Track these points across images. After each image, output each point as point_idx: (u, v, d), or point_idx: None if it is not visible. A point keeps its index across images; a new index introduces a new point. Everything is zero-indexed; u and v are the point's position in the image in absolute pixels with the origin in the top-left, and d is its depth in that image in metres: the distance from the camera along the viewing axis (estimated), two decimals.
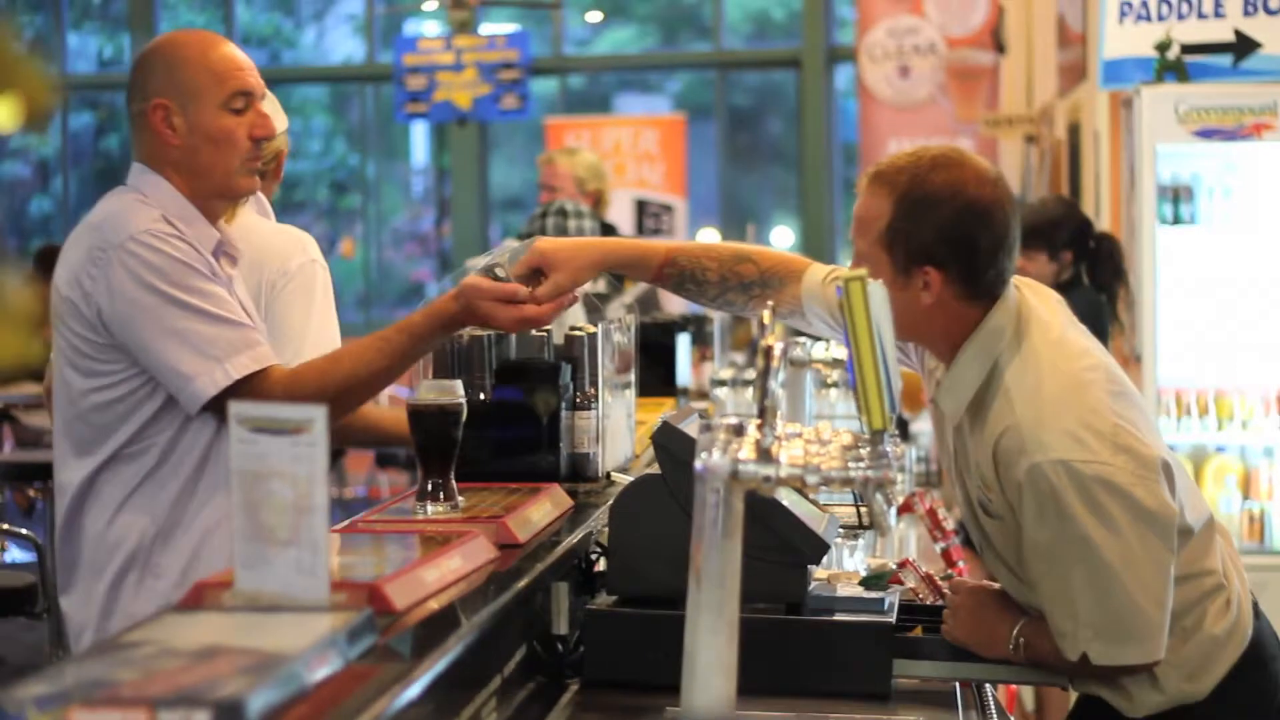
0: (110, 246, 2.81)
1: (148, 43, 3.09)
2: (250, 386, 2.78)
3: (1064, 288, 5.23)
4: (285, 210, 14.27)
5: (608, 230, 6.40)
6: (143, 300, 2.78)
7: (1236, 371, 5.84)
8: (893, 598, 2.78)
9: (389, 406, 3.44)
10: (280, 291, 3.20)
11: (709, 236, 13.36)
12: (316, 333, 3.18)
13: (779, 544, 2.64)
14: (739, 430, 1.91)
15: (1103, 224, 6.98)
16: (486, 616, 2.17)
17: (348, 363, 2.85)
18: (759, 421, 1.89)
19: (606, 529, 2.76)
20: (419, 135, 15.22)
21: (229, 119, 2.92)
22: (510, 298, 2.76)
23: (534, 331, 3.12)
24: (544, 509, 2.77)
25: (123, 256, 2.79)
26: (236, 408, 1.93)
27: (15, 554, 8.24)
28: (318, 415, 1.87)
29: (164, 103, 2.91)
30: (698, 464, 1.85)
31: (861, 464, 1.89)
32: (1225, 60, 5.76)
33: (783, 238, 14.02)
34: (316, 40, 15.61)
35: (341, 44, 15.28)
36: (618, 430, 3.40)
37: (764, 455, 1.86)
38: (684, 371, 5.23)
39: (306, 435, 1.88)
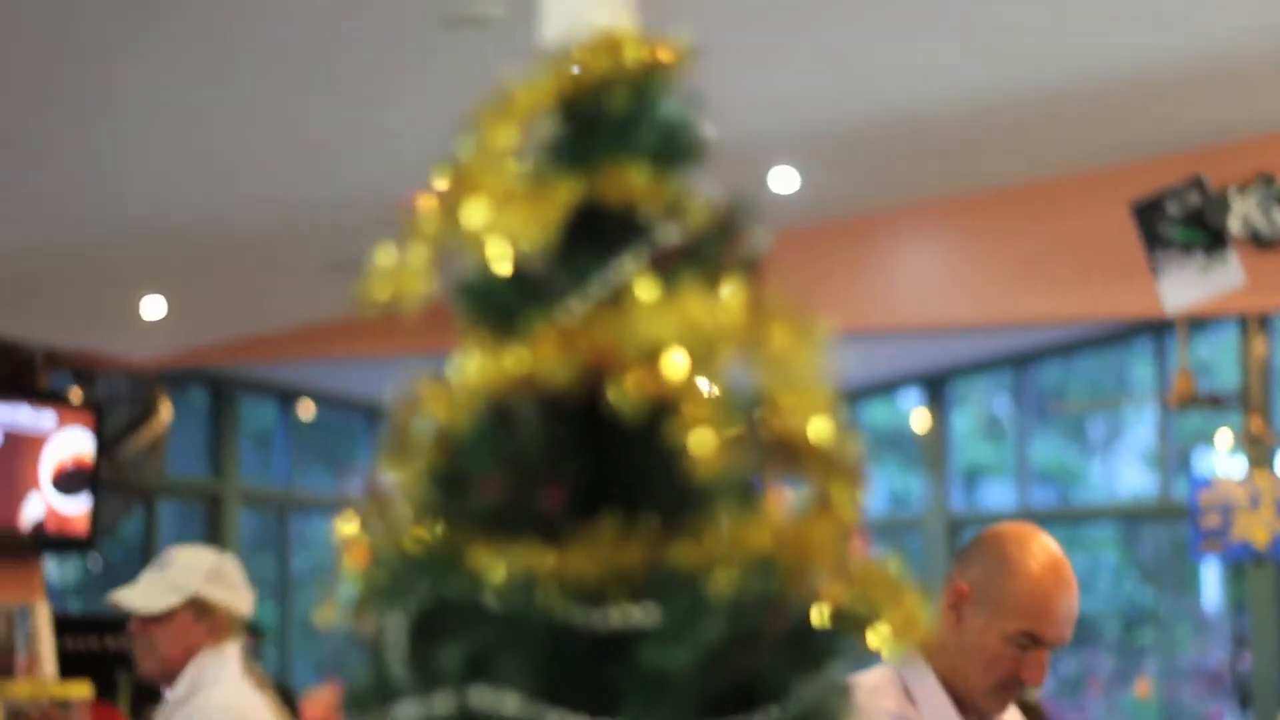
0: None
1: (987, 530, 3.05)
2: None
3: None
4: (1078, 647, 14.11)
5: None
6: None
7: None
8: None
9: None
10: None
11: None
12: None
13: None
14: None
15: None
16: None
17: None
18: None
19: None
20: (1210, 570, 14.82)
21: (1010, 650, 2.84)
22: None
23: None
24: None
25: None
26: None
27: None
28: None
29: (966, 590, 2.87)
30: None
31: None
32: None
33: None
34: (1104, 474, 15.60)
35: (1130, 476, 15.20)
36: None
37: None
38: None
39: None
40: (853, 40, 6.22)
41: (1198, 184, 7.60)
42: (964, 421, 14.99)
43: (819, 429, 1.47)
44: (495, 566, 1.40)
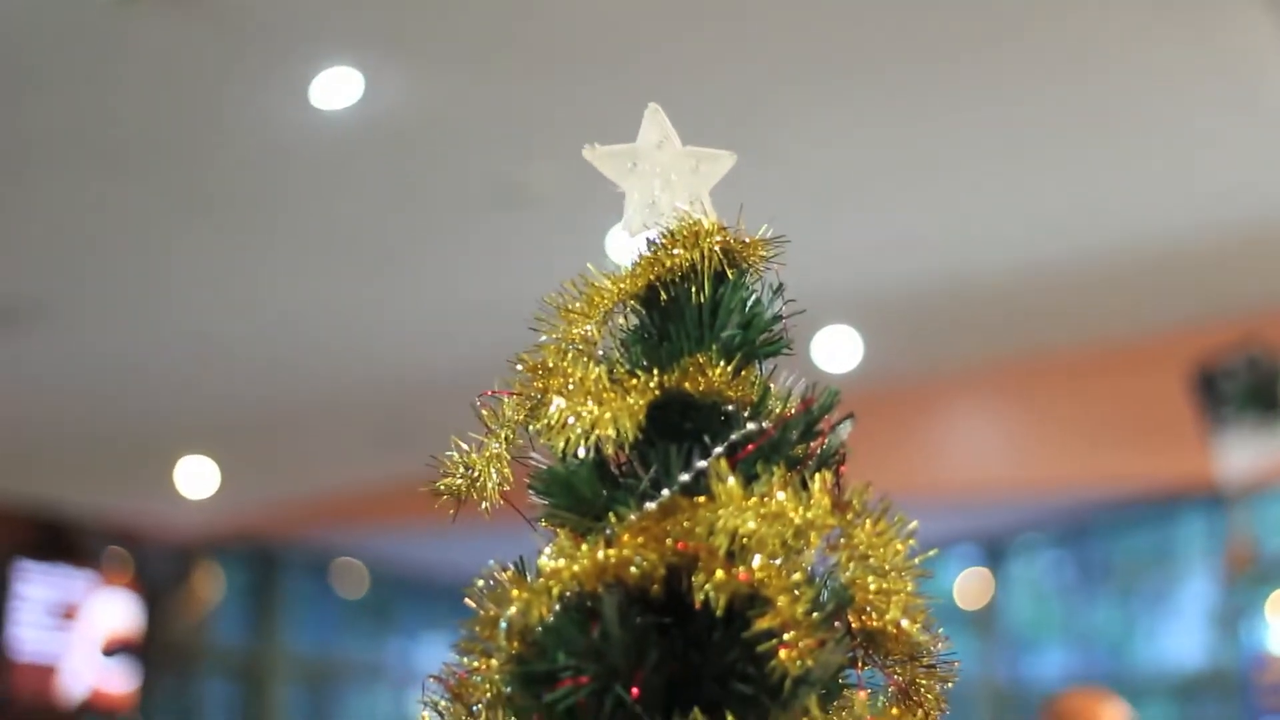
0: None
1: None
2: None
3: None
4: None
5: None
6: None
7: None
8: None
9: None
10: None
11: None
12: None
13: None
14: None
15: None
16: None
17: None
18: None
19: None
20: None
21: None
22: None
23: None
24: None
25: None
26: None
27: None
28: None
29: None
30: None
31: None
32: None
33: None
34: (1159, 637, 15.37)
35: (1186, 639, 14.97)
36: None
37: None
38: None
39: None
40: (908, 210, 6.26)
41: (1250, 355, 7.58)
42: (1016, 587, 14.85)
43: (904, 621, 1.45)
44: None
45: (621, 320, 1.51)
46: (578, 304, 1.49)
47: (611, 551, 1.39)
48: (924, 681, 1.49)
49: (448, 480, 1.51)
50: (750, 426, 1.44)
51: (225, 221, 5.96)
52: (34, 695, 8.53)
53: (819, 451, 1.49)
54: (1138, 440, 8.88)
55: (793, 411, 1.47)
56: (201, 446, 8.34)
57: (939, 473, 9.46)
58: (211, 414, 7.97)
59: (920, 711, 1.48)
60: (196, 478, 8.42)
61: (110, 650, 8.88)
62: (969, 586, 14.27)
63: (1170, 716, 14.86)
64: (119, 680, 8.91)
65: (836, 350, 7.45)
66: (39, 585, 8.62)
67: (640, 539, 1.39)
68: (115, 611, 8.91)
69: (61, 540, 8.85)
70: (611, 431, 1.41)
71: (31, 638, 8.54)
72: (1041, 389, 8.84)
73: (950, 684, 1.51)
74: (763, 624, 1.34)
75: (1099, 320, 7.91)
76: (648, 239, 1.52)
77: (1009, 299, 7.36)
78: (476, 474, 1.51)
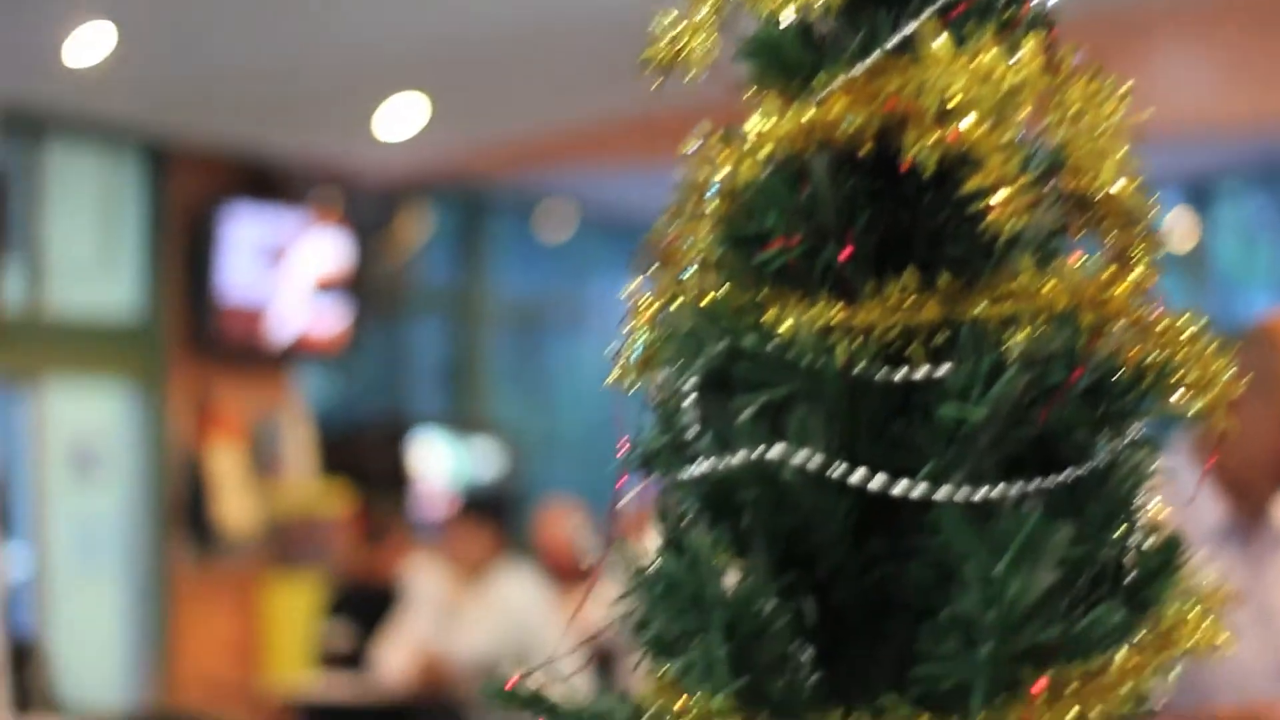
0: None
1: None
2: None
3: None
4: None
5: None
6: None
7: None
8: None
9: None
10: None
11: None
12: None
13: None
14: None
15: None
16: None
17: None
18: None
19: None
20: None
21: None
22: None
23: None
24: None
25: None
26: None
27: None
28: None
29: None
30: None
31: None
32: None
33: None
34: None
35: None
36: None
37: None
38: None
39: None
40: None
41: None
42: (1222, 230, 14.56)
43: (1117, 184, 1.43)
44: (790, 320, 1.39)
45: None
46: None
47: (820, 111, 1.38)
48: (1137, 247, 1.47)
49: (653, 50, 1.50)
50: None
51: None
52: (244, 338, 8.72)
53: (1029, 14, 1.46)
54: None
55: None
56: (410, 84, 8.33)
57: (1144, 110, 9.23)
58: (419, 51, 7.95)
59: (1133, 276, 1.46)
60: (403, 118, 8.45)
61: (321, 289, 9.05)
62: (1176, 228, 13.99)
63: None
64: (328, 321, 9.11)
65: None
66: (247, 227, 8.74)
67: (848, 100, 1.38)
68: (324, 251, 9.06)
69: (269, 181, 8.96)
70: None
71: (240, 282, 8.68)
72: (1252, 20, 8.52)
73: (1163, 251, 1.49)
74: (974, 183, 1.33)
75: None
76: None
77: None
78: (682, 44, 1.49)
